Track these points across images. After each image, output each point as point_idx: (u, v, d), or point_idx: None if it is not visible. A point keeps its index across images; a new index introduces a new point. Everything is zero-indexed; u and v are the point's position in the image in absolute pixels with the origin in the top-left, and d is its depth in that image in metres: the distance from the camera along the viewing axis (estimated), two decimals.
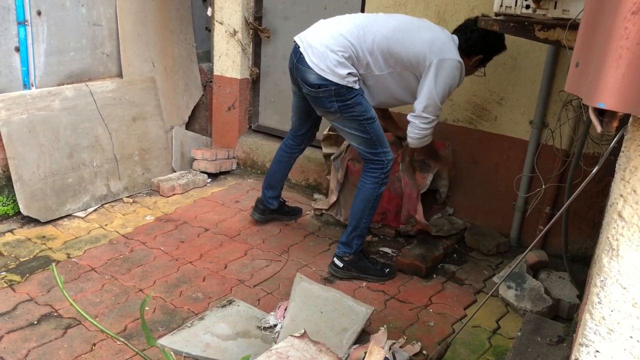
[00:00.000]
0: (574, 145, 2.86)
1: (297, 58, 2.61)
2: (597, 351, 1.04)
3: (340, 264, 2.76)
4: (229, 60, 4.04)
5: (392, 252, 3.05)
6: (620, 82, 0.85)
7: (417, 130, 2.65)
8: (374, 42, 2.54)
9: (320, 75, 2.52)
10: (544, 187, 2.90)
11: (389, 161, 2.68)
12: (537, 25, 2.06)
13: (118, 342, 2.16)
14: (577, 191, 1.58)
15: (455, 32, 2.68)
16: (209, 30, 4.22)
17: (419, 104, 2.60)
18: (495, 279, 2.83)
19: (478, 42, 2.63)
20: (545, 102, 2.91)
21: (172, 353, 1.54)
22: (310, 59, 2.53)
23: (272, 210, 3.30)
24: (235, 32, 3.94)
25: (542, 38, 2.07)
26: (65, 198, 3.26)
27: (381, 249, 3.08)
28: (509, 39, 2.87)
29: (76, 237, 3.03)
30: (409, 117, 2.66)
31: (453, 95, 3.22)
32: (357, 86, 2.57)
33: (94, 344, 2.18)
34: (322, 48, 2.52)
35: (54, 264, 1.49)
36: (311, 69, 2.53)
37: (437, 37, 2.56)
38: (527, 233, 3.16)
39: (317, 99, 2.60)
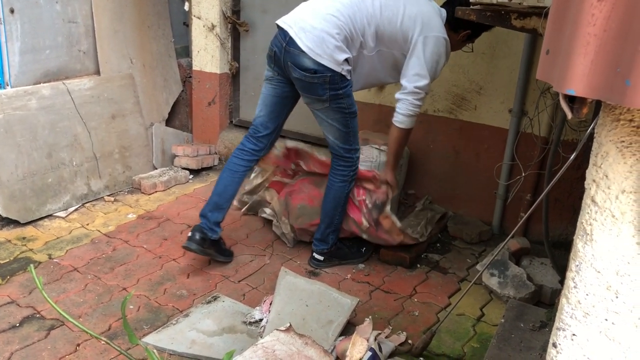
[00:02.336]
0: (553, 132, 2.89)
1: (286, 41, 2.41)
2: (574, 334, 1.05)
3: (321, 258, 2.79)
4: (208, 55, 4.00)
5: None
6: (588, 69, 0.86)
7: (410, 107, 2.51)
8: (364, 22, 2.43)
9: (316, 61, 2.36)
10: (524, 174, 2.93)
11: (358, 159, 2.67)
12: (513, 13, 2.07)
13: (102, 342, 2.14)
14: (556, 178, 1.60)
15: (444, 4, 2.60)
16: (187, 25, 4.18)
17: (410, 82, 2.49)
18: (478, 267, 2.85)
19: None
20: (523, 90, 2.94)
21: (155, 351, 1.53)
22: (304, 43, 2.36)
23: (211, 242, 2.66)
24: (213, 27, 3.91)
25: (518, 27, 2.08)
26: (46, 198, 3.22)
27: None
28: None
29: (57, 238, 2.99)
30: (398, 96, 2.53)
31: (432, 86, 3.23)
32: (349, 77, 2.47)
33: (78, 345, 2.16)
34: (317, 32, 2.35)
35: (32, 265, 1.47)
36: (305, 53, 2.36)
37: (423, 11, 2.47)
38: (509, 220, 3.19)
39: (310, 84, 2.43)
